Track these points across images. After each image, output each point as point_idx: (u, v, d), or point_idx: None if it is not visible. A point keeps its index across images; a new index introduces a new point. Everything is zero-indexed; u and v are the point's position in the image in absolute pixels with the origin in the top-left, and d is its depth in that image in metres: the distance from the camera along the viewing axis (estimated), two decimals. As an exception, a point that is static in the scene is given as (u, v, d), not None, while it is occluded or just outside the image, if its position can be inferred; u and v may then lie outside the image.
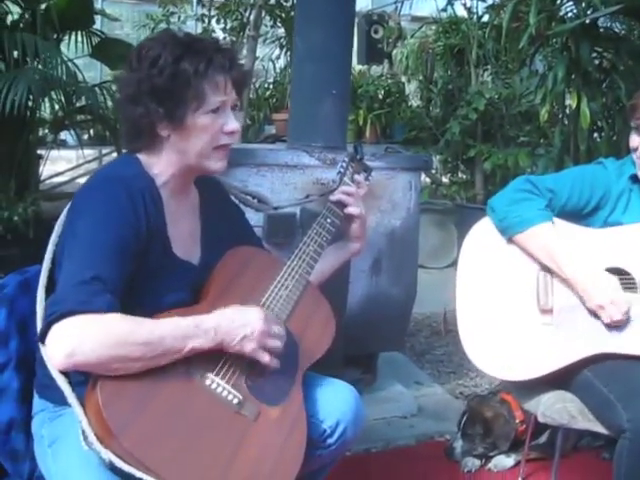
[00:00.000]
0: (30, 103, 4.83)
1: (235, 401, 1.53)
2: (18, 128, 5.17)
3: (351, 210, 1.93)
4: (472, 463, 2.75)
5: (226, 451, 1.47)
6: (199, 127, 1.64)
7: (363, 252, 2.04)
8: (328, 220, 1.90)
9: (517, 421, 2.73)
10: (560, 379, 2.04)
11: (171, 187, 1.70)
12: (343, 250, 2.00)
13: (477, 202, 6.02)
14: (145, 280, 1.60)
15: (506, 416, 2.73)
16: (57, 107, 5.26)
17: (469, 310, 2.14)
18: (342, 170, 2.00)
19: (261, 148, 2.90)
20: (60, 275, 1.52)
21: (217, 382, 1.53)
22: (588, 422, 2.00)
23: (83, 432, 1.43)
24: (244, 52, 6.28)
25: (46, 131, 6.21)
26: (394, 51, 7.94)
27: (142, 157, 1.68)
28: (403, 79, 7.74)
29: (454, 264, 5.80)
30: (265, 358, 1.58)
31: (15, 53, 4.78)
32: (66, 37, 5.49)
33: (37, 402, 1.70)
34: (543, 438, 2.73)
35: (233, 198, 2.00)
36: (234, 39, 6.70)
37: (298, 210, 2.82)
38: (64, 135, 7.15)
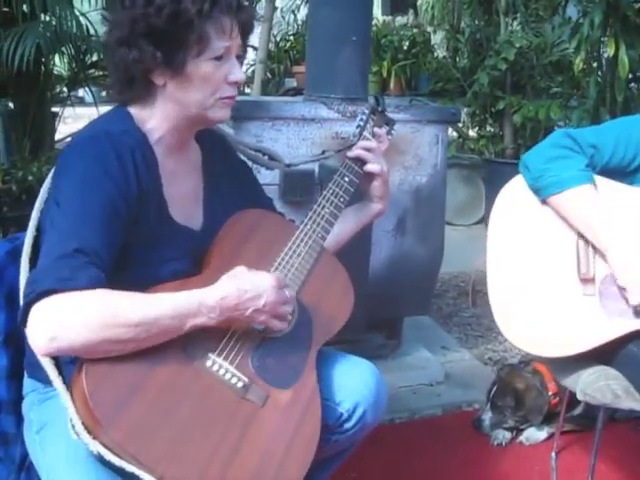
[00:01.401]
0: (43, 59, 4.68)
1: (240, 385, 1.36)
2: (30, 85, 5.03)
3: (371, 167, 1.74)
4: (502, 436, 2.59)
5: (229, 442, 1.30)
6: (200, 75, 1.46)
7: (386, 212, 1.85)
8: (346, 179, 1.71)
9: (550, 393, 2.56)
10: (602, 354, 1.84)
11: (167, 143, 1.52)
12: (363, 212, 1.81)
13: (506, 156, 5.78)
14: (139, 249, 1.43)
15: (539, 388, 2.56)
16: (67, 63, 5.08)
17: (501, 278, 1.93)
18: (361, 123, 1.80)
19: (276, 100, 2.71)
20: (42, 247, 1.35)
21: (219, 363, 1.37)
22: (634, 401, 1.81)
23: (71, 420, 1.27)
24: (262, 2, 6.03)
25: (64, 88, 6.04)
26: (419, 1, 7.66)
27: (134, 110, 1.50)
28: (429, 29, 7.46)
29: (482, 221, 5.68)
30: (278, 325, 1.42)
31: (24, 7, 4.60)
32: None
33: (27, 382, 1.55)
34: (578, 410, 2.55)
35: (240, 155, 1.81)
36: (252, -12, 6.44)
37: (316, 166, 2.64)
38: (82, 92, 6.99)
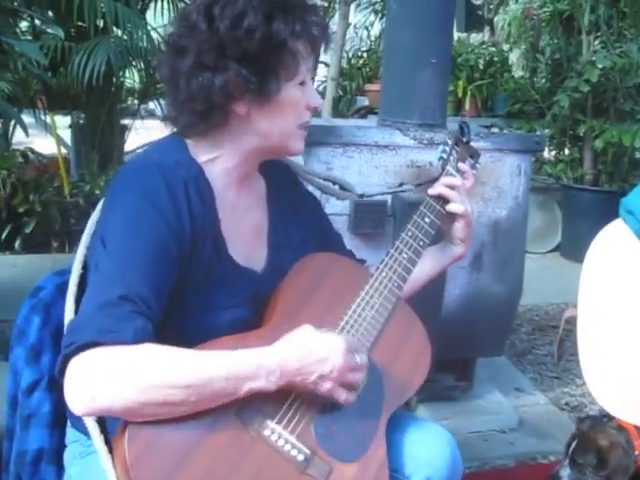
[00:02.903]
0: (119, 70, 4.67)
1: (300, 457, 1.21)
2: (101, 98, 5.01)
3: (455, 207, 1.55)
4: (583, 496, 2.36)
5: (287, 524, 1.14)
6: (288, 102, 1.33)
7: (467, 256, 1.67)
8: (426, 219, 1.52)
9: (637, 453, 2.31)
10: None
11: (230, 176, 1.38)
12: (442, 255, 1.62)
13: (585, 183, 5.51)
14: (194, 293, 1.30)
15: (624, 446, 2.32)
16: (139, 75, 5.06)
17: (594, 334, 1.74)
18: (444, 155, 1.61)
19: (348, 125, 2.56)
20: (86, 291, 1.23)
21: (279, 432, 1.21)
22: None
23: (111, 485, 1.14)
24: (336, 18, 5.91)
25: (135, 101, 6.03)
26: (495, 17, 7.44)
27: (190, 140, 1.37)
28: (505, 47, 7.23)
29: (558, 249, 5.42)
30: (342, 396, 1.25)
31: (98, 22, 4.58)
32: (152, 4, 5.26)
33: (70, 431, 1.44)
34: (669, 471, 2.32)
35: (307, 185, 1.66)
36: (326, 4, 6.34)
37: (389, 197, 2.48)
38: (153, 105, 6.99)
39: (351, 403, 1.26)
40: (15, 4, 4.75)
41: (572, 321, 1.82)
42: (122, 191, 1.28)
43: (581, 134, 5.49)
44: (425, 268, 1.60)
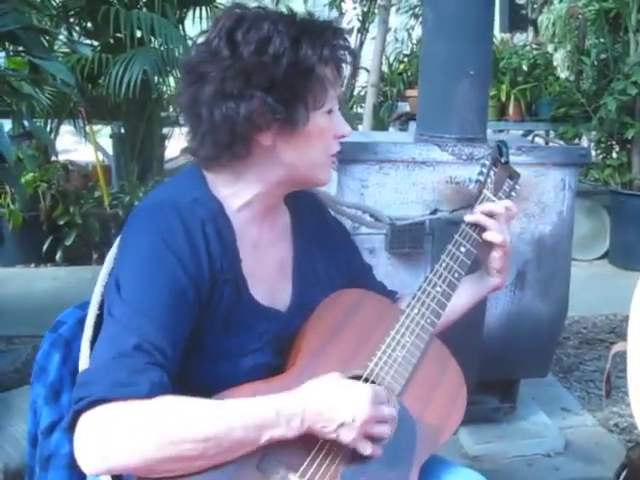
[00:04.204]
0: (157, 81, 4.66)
1: (326, 513, 1.13)
2: (140, 109, 5.01)
3: (493, 236, 1.44)
4: (634, 528, 2.25)
5: None
6: (316, 132, 1.26)
7: (504, 287, 1.57)
8: (462, 249, 1.43)
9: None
10: None
11: (252, 210, 1.31)
12: (477, 286, 1.53)
13: (634, 188, 5.33)
14: (213, 338, 1.23)
15: (679, 477, 2.21)
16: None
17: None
18: (482, 178, 1.51)
19: (383, 141, 2.47)
20: (99, 338, 1.17)
21: None
22: None
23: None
24: (375, 22, 5.83)
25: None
26: (540, 17, 7.27)
27: (209, 173, 1.30)
28: (549, 48, 7.06)
29: (606, 256, 5.27)
30: (368, 450, 1.17)
31: (139, 32, 4.58)
32: (190, 13, 5.24)
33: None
34: None
35: (335, 214, 1.58)
36: (364, 9, 6.26)
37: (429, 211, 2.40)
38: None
39: (377, 456, 1.18)
40: (55, 16, 4.79)
41: (621, 355, 1.70)
42: (137, 232, 1.22)
43: (629, 138, 5.32)
44: (460, 300, 1.50)
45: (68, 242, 4.79)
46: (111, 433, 1.05)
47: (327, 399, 1.14)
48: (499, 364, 2.61)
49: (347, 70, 1.33)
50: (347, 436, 1.15)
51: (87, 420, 1.06)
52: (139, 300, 1.15)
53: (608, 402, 3.19)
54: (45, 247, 4.82)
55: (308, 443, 1.16)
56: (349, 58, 1.29)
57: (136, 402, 1.06)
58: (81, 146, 6.03)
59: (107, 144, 5.88)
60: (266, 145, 1.25)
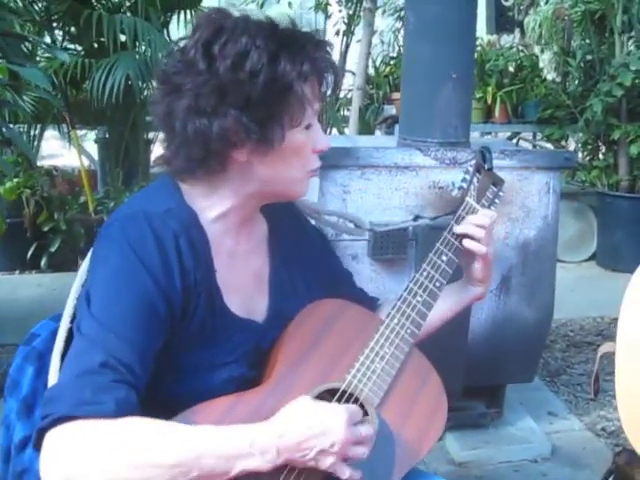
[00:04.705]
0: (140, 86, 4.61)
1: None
2: (124, 114, 4.97)
3: (477, 247, 1.41)
4: (620, 534, 2.23)
5: None
6: (292, 149, 1.22)
7: (485, 297, 1.54)
8: (443, 257, 1.40)
9: (679, 489, 2.18)
10: None
11: (227, 221, 1.28)
12: (459, 296, 1.50)
13: (620, 189, 5.32)
14: (183, 353, 1.20)
15: (666, 482, 2.19)
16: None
17: (634, 369, 1.60)
18: (464, 185, 1.49)
19: (365, 147, 2.44)
20: (67, 354, 1.14)
21: None
22: None
23: None
24: (360, 25, 5.81)
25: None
26: (526, 19, 7.27)
27: (184, 185, 1.27)
28: (536, 50, 7.05)
29: (593, 257, 5.26)
30: (346, 473, 1.13)
31: (122, 37, 4.54)
32: (175, 17, 5.21)
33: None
34: None
35: (314, 221, 1.55)
36: (350, 12, 6.24)
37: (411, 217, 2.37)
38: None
39: (355, 478, 1.15)
40: (36, 22, 4.75)
41: (609, 357, 1.68)
42: (108, 244, 1.19)
43: (615, 139, 5.31)
44: (441, 310, 1.47)
45: (53, 248, 4.75)
46: (75, 453, 1.02)
47: (303, 427, 1.09)
48: (485, 369, 2.60)
49: (329, 85, 1.28)
50: (326, 462, 1.11)
51: (51, 438, 1.03)
52: (107, 315, 1.11)
53: (595, 406, 3.18)
54: (29, 253, 4.78)
55: (282, 471, 1.12)
56: (330, 72, 1.25)
57: (102, 422, 1.03)
58: (67, 151, 5.98)
59: (93, 149, 5.84)
60: (241, 161, 1.22)
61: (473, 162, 1.55)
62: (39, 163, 5.47)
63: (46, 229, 4.76)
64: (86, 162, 5.43)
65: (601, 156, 5.69)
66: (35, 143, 5.24)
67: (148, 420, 1.06)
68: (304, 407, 1.11)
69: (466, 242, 1.42)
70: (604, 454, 2.67)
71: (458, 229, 1.42)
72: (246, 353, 1.26)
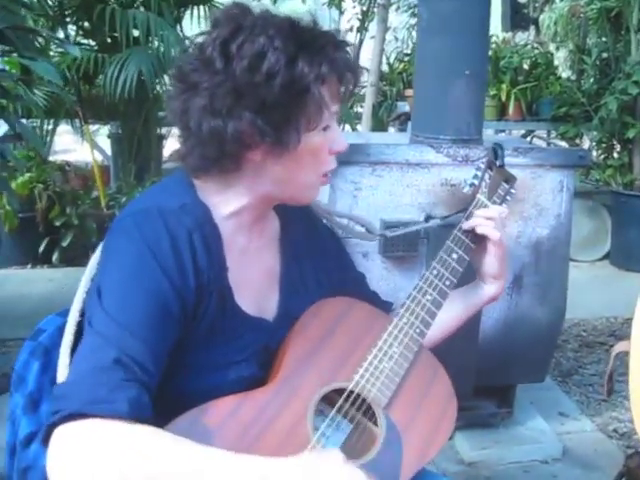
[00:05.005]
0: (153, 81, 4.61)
1: None
2: (137, 109, 4.97)
3: (490, 232, 1.39)
4: (632, 538, 2.20)
5: None
6: (308, 150, 1.20)
7: (501, 296, 1.51)
8: (454, 255, 1.38)
9: (691, 493, 2.16)
10: None
11: (242, 219, 1.26)
12: (473, 296, 1.47)
13: (635, 188, 5.29)
14: (193, 352, 1.18)
15: (678, 486, 2.17)
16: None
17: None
18: (476, 182, 1.47)
19: (376, 143, 2.42)
20: (78, 348, 1.12)
21: None
22: None
23: None
24: (374, 21, 5.78)
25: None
26: (541, 16, 7.22)
27: (198, 181, 1.25)
28: (551, 47, 7.00)
29: (608, 257, 5.22)
30: None
31: (135, 32, 4.53)
32: (188, 12, 5.20)
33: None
34: None
35: (326, 222, 1.53)
36: (364, 8, 6.21)
37: (422, 216, 2.35)
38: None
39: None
40: (50, 16, 4.75)
41: (621, 358, 1.66)
42: (122, 240, 1.17)
43: (630, 138, 5.27)
44: (455, 310, 1.45)
45: (65, 243, 4.76)
46: (84, 452, 1.00)
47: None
48: (496, 369, 2.58)
49: (348, 86, 1.25)
50: None
51: (61, 434, 1.02)
52: (122, 313, 1.10)
53: (607, 407, 3.15)
54: (42, 248, 4.79)
55: None
56: (350, 73, 1.22)
57: (114, 424, 1.01)
58: (80, 146, 5.99)
59: (106, 144, 5.85)
60: (256, 160, 1.21)
61: (485, 159, 1.54)
62: (52, 158, 5.48)
63: (58, 224, 4.77)
64: (99, 157, 5.44)
65: (616, 155, 5.65)
66: (48, 138, 5.25)
67: (164, 434, 1.03)
68: (331, 468, 1.01)
69: (479, 228, 1.40)
70: (615, 456, 2.64)
71: (466, 224, 1.41)
72: (256, 352, 1.24)
